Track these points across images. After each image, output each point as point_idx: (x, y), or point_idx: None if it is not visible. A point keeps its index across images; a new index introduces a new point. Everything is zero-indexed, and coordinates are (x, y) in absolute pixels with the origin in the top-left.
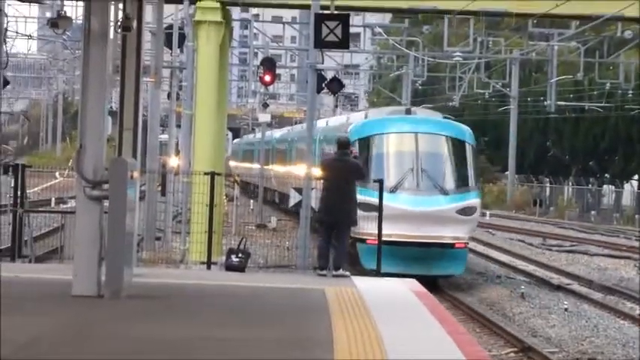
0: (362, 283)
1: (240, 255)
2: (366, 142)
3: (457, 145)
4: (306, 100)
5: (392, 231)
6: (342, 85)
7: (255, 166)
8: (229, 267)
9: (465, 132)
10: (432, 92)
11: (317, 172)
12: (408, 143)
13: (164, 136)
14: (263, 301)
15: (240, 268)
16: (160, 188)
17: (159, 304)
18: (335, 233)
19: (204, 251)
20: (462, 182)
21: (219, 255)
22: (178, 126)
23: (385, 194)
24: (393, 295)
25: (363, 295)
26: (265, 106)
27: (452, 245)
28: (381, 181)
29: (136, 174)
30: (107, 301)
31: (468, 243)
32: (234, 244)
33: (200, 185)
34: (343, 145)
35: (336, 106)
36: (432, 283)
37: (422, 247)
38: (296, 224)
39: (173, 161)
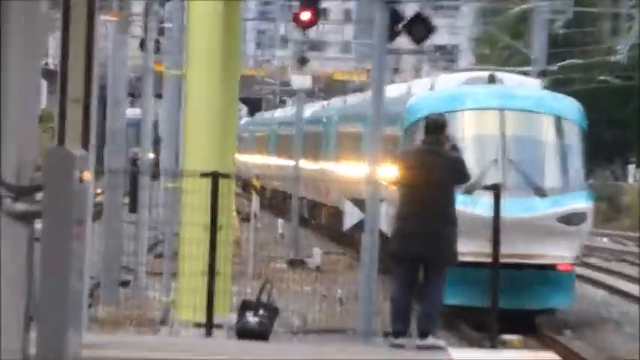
0: (465, 357)
1: (261, 312)
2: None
3: (562, 128)
4: (371, 54)
5: (465, 248)
6: (430, 29)
7: (284, 162)
8: (243, 332)
9: (573, 109)
10: (582, 39)
11: (389, 171)
12: (491, 124)
13: (134, 111)
14: None
15: (261, 334)
16: (128, 200)
17: None
18: (422, 276)
19: (201, 306)
20: (567, 179)
21: (226, 312)
22: (159, 96)
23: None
24: None
25: None
26: (303, 62)
27: (553, 267)
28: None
29: (87, 175)
30: None
31: (576, 264)
32: (251, 293)
33: (194, 195)
34: (435, 127)
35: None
36: (525, 321)
37: (509, 269)
38: (354, 260)
39: (150, 155)
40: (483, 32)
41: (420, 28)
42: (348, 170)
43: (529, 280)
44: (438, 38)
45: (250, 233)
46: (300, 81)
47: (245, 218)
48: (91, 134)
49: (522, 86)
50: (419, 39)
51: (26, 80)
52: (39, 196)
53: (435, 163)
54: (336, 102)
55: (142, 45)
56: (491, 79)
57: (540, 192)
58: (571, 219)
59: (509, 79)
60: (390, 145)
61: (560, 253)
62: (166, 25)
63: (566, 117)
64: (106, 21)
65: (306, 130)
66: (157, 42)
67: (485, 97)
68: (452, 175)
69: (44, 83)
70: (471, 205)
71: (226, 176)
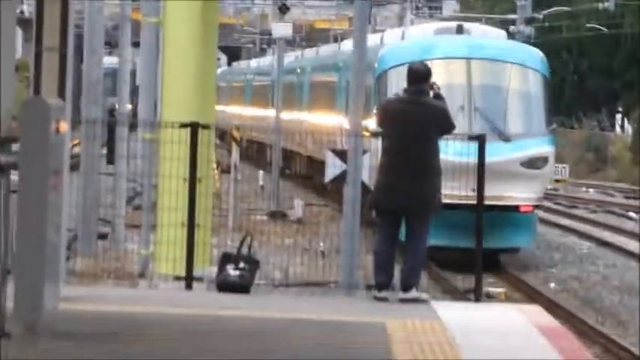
0: (448, 311)
1: (242, 265)
2: (402, 71)
3: (526, 77)
4: (353, 2)
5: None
6: None
7: (264, 113)
8: (224, 285)
9: (537, 58)
10: None
11: (372, 122)
12: (458, 73)
13: (112, 61)
14: (280, 347)
15: (242, 287)
16: (105, 151)
17: (101, 350)
18: (404, 228)
19: (181, 258)
20: (529, 125)
21: (206, 265)
22: (136, 44)
23: None
24: (505, 336)
25: (455, 335)
26: (284, 10)
27: (516, 208)
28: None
29: (64, 125)
30: (16, 342)
31: (538, 206)
32: (231, 246)
33: (173, 146)
34: (418, 76)
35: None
36: (490, 260)
37: (475, 210)
38: (337, 212)
39: (127, 105)
40: None
41: None
42: (330, 120)
43: (494, 221)
44: None
45: (231, 185)
46: (281, 29)
47: (225, 170)
48: (67, 84)
49: (488, 36)
50: None
51: (1, 29)
52: (15, 147)
53: (418, 112)
54: (309, 53)
55: None
56: (459, 30)
57: (504, 137)
58: (533, 163)
59: (476, 29)
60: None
61: (523, 195)
62: None
63: (529, 66)
64: None
65: (291, 80)
66: None
67: (452, 47)
68: (435, 124)
69: (19, 32)
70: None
71: (206, 127)
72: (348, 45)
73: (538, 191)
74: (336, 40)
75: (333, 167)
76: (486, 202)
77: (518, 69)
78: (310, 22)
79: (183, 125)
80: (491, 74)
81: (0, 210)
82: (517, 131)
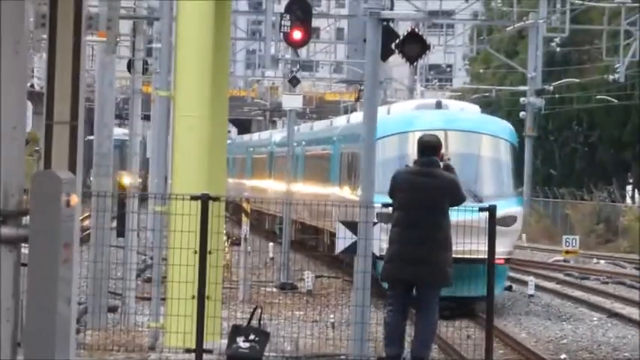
0: None
1: (252, 337)
2: (387, 142)
3: (496, 146)
4: (364, 74)
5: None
6: (425, 47)
7: (267, 184)
8: (234, 357)
9: (505, 129)
10: (579, 57)
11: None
12: None
13: (121, 132)
14: None
15: (252, 359)
16: (115, 224)
17: None
18: (415, 300)
19: (191, 331)
20: (500, 188)
21: (216, 337)
22: (147, 117)
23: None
24: None
25: None
26: (294, 82)
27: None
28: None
29: (75, 199)
30: None
31: (508, 260)
32: (241, 318)
33: (184, 218)
34: (428, 147)
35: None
36: (466, 307)
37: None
38: (347, 284)
39: (137, 178)
40: (478, 51)
41: (415, 46)
42: (340, 192)
43: (471, 272)
44: (433, 57)
45: (241, 257)
46: (291, 101)
47: (236, 242)
48: (78, 157)
49: (464, 111)
50: (413, 57)
51: (11, 102)
52: (26, 220)
53: (429, 184)
54: (304, 127)
55: (130, 66)
56: (438, 105)
57: (478, 199)
58: (504, 221)
59: (453, 105)
60: (357, 162)
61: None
62: (155, 45)
63: (499, 136)
64: (93, 42)
65: (277, 153)
66: (145, 63)
67: (431, 120)
68: (446, 196)
69: (29, 105)
70: None
71: (216, 199)
72: (340, 121)
73: (508, 245)
74: (346, 112)
75: (344, 239)
76: (464, 256)
77: (490, 139)
78: (320, 95)
79: (194, 197)
80: (466, 143)
81: (10, 283)
82: (489, 193)
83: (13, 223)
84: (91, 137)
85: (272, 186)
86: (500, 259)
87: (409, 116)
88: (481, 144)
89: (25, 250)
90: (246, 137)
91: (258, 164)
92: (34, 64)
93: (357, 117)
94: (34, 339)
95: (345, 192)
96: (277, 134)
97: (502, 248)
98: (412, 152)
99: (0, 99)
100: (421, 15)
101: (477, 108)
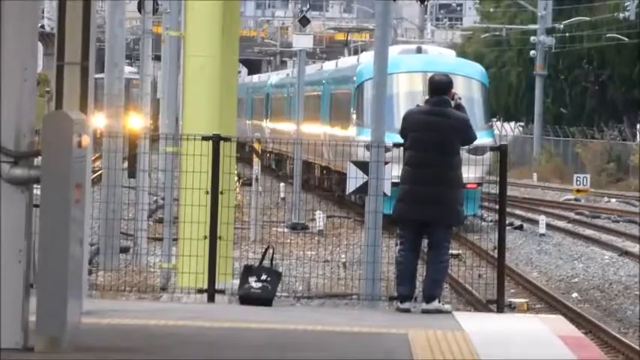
0: (472, 322)
1: (264, 277)
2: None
3: (470, 86)
4: (373, 13)
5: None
6: None
7: (283, 126)
8: (246, 298)
9: (477, 71)
10: None
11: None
12: (417, 83)
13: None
14: (303, 359)
15: (264, 300)
16: (126, 165)
17: None
18: (427, 239)
19: (203, 271)
20: (473, 122)
21: (227, 277)
22: (157, 58)
23: (393, 135)
24: (528, 347)
25: (478, 345)
26: (304, 22)
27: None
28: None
29: (86, 140)
30: (39, 356)
31: (480, 184)
32: (253, 258)
33: (195, 159)
34: (439, 86)
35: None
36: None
37: None
38: (358, 224)
39: (147, 118)
40: None
41: None
42: (350, 132)
43: None
44: None
45: (252, 198)
46: (302, 41)
47: (247, 182)
48: (89, 98)
49: (441, 55)
50: None
51: (22, 44)
52: (37, 161)
53: (440, 124)
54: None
55: (140, 6)
56: (419, 50)
57: None
58: (476, 150)
59: (432, 49)
60: (345, 100)
61: (470, 175)
62: None
63: (472, 77)
64: None
65: (275, 94)
66: (156, 3)
67: (413, 63)
68: (457, 135)
69: (40, 46)
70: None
71: (227, 139)
72: (329, 65)
73: (480, 172)
74: (356, 52)
75: (354, 179)
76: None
77: (464, 79)
78: (331, 35)
79: (205, 138)
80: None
81: (23, 224)
82: None
83: (25, 164)
84: (98, 75)
85: (269, 126)
86: (472, 184)
87: (393, 60)
88: (457, 84)
89: (37, 191)
90: (247, 79)
91: (257, 105)
92: (44, 4)
93: (345, 62)
94: (46, 280)
95: (335, 130)
96: (274, 76)
97: (475, 175)
98: (396, 90)
99: (10, 41)
100: None
101: (452, 52)
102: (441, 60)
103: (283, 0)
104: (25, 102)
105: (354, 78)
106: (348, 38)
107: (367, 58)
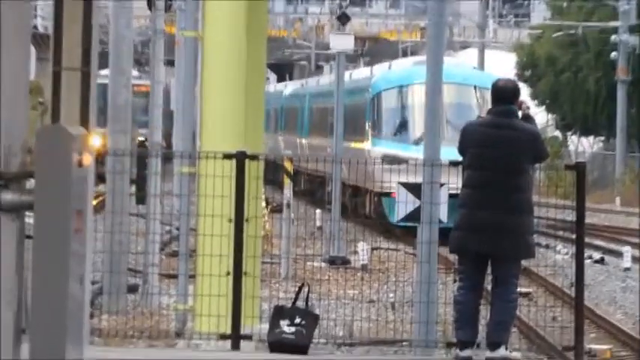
0: None
1: (297, 320)
2: (389, 94)
3: (482, 95)
4: (425, 9)
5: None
6: None
7: (317, 142)
8: (277, 344)
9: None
10: None
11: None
12: None
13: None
14: None
15: (298, 347)
16: (135, 189)
17: None
18: (491, 274)
19: (225, 314)
20: None
21: (255, 321)
22: (169, 62)
23: (409, 146)
24: None
25: None
26: (344, 19)
27: None
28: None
29: (87, 158)
30: None
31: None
32: (285, 298)
33: (215, 181)
34: (504, 94)
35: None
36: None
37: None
38: (409, 257)
39: (158, 133)
40: None
41: None
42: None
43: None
44: None
45: (283, 226)
46: (341, 42)
47: (276, 209)
48: (90, 109)
49: (457, 66)
50: None
51: (13, 47)
52: (30, 183)
53: (506, 138)
54: (311, 81)
55: (150, 3)
56: None
57: None
58: None
59: (448, 61)
60: (361, 112)
61: None
62: None
63: (484, 87)
64: None
65: (288, 106)
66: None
67: None
68: (527, 152)
69: (33, 50)
70: (419, 153)
71: (254, 157)
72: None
73: None
74: (405, 55)
75: (404, 203)
76: (455, 192)
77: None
78: (375, 34)
79: (228, 156)
80: (459, 94)
81: (13, 257)
82: None
83: (16, 187)
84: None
85: (304, 142)
86: None
87: (409, 71)
88: (470, 94)
89: (30, 219)
90: (278, 86)
91: (291, 117)
92: (37, 1)
93: (360, 73)
94: (41, 324)
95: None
96: (290, 86)
97: None
98: (412, 101)
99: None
100: None
101: (469, 64)
102: (457, 71)
103: None
104: (15, 115)
105: (370, 89)
106: (396, 39)
107: (380, 69)
